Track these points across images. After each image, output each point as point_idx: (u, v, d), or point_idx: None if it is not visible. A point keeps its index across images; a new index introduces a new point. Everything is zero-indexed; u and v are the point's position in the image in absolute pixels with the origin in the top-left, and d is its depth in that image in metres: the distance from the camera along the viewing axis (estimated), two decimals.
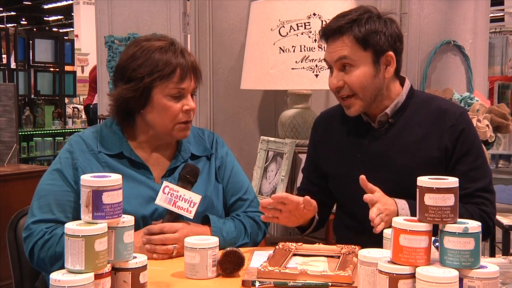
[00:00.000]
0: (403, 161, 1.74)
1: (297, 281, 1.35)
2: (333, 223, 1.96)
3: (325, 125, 1.94)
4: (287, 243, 1.60)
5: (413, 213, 1.54)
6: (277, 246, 1.59)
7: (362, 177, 1.61)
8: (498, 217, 2.95)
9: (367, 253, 1.24)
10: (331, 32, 1.74)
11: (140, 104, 1.69)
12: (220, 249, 1.45)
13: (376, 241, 1.44)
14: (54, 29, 18.52)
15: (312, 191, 1.91)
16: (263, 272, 1.38)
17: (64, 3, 16.05)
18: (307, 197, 1.68)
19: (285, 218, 1.69)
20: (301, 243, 1.62)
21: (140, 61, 1.66)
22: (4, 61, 6.72)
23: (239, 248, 1.47)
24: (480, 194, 1.72)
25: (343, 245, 1.59)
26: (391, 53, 1.74)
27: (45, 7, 17.53)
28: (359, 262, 1.25)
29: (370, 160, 1.78)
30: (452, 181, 1.17)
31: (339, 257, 1.53)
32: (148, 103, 1.68)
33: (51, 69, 7.20)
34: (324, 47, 1.91)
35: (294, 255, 1.56)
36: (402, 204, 1.64)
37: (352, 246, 1.58)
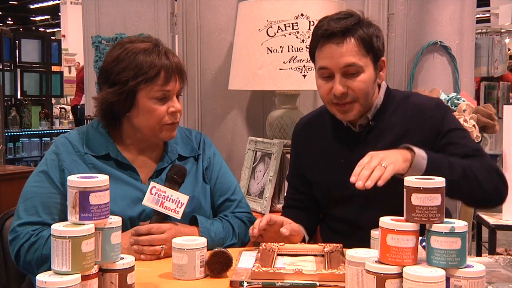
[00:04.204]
0: None
1: (285, 281, 1.35)
2: (320, 228, 1.95)
3: (305, 133, 1.92)
4: (269, 243, 1.60)
5: (434, 167, 1.52)
6: (260, 247, 1.59)
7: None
8: (484, 217, 2.97)
9: (354, 253, 1.24)
10: (338, 32, 1.66)
11: (125, 108, 1.67)
12: (208, 250, 1.45)
13: (364, 243, 1.44)
14: (41, 29, 18.39)
15: (299, 199, 1.91)
16: (257, 272, 1.37)
17: (51, 3, 15.94)
18: (287, 220, 1.69)
19: (269, 238, 1.65)
20: (283, 243, 1.61)
21: (124, 64, 1.65)
22: None
23: (227, 249, 1.47)
24: (477, 154, 1.69)
25: (325, 244, 1.59)
26: (384, 58, 1.75)
27: (32, 6, 17.42)
28: (347, 262, 1.25)
29: (354, 164, 1.75)
30: (439, 181, 1.18)
31: (323, 255, 1.53)
32: (133, 106, 1.67)
33: (38, 69, 7.16)
34: None
35: (279, 255, 1.56)
36: (421, 152, 1.57)
37: (334, 244, 1.58)
